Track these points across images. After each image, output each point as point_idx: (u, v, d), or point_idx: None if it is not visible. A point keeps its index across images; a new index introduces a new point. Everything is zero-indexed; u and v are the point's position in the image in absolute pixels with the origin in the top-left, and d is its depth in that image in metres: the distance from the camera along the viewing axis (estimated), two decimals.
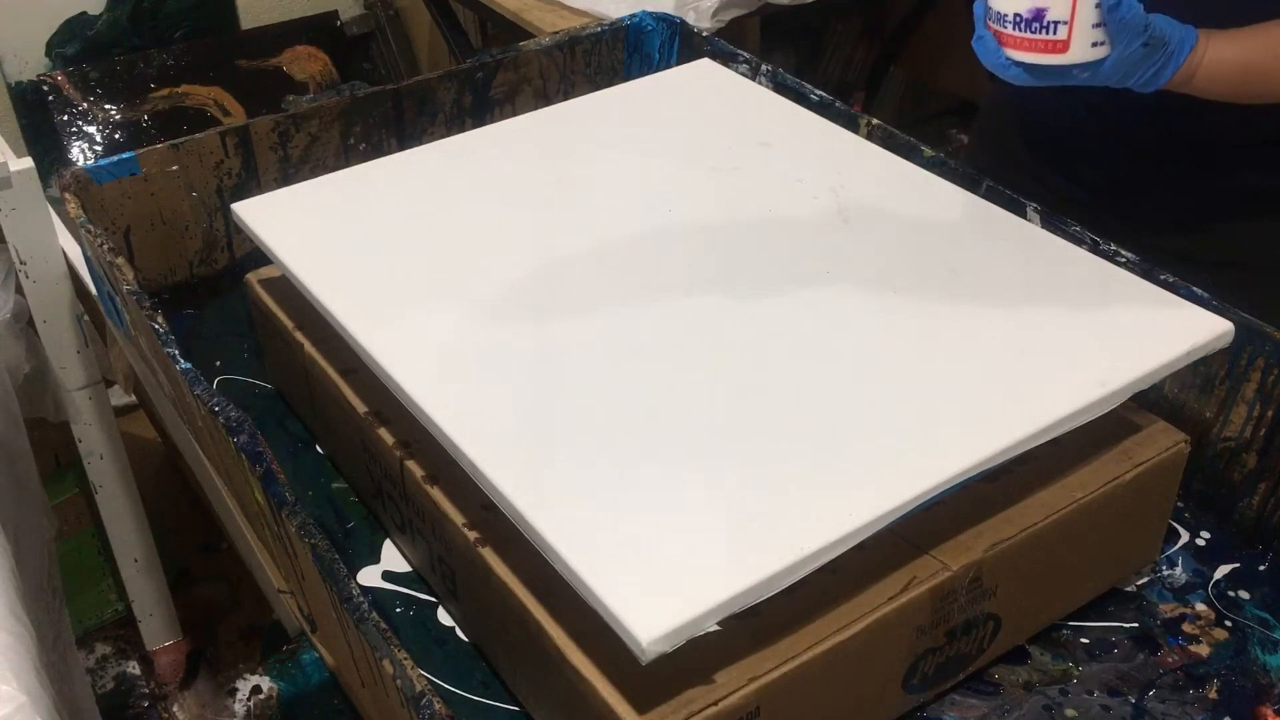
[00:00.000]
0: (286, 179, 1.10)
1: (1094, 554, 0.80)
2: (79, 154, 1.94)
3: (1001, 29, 0.80)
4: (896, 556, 0.71)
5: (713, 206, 0.93)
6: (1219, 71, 0.83)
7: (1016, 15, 0.79)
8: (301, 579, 0.79)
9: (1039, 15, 0.78)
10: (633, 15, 1.28)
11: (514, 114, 1.08)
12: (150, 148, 1.06)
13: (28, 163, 1.13)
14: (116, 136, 1.96)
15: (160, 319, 0.87)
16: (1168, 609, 0.84)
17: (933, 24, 2.34)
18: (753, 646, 0.66)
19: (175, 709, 1.50)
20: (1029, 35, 0.79)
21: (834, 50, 2.40)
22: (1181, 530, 0.89)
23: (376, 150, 1.16)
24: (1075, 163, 1.06)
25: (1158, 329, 0.78)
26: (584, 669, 0.66)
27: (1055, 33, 0.78)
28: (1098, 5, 0.77)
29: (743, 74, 1.14)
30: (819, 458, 0.69)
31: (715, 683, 0.64)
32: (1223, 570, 0.86)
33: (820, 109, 1.07)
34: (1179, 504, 0.90)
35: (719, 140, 1.02)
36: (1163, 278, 0.85)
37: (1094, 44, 0.79)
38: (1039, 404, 0.72)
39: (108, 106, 1.95)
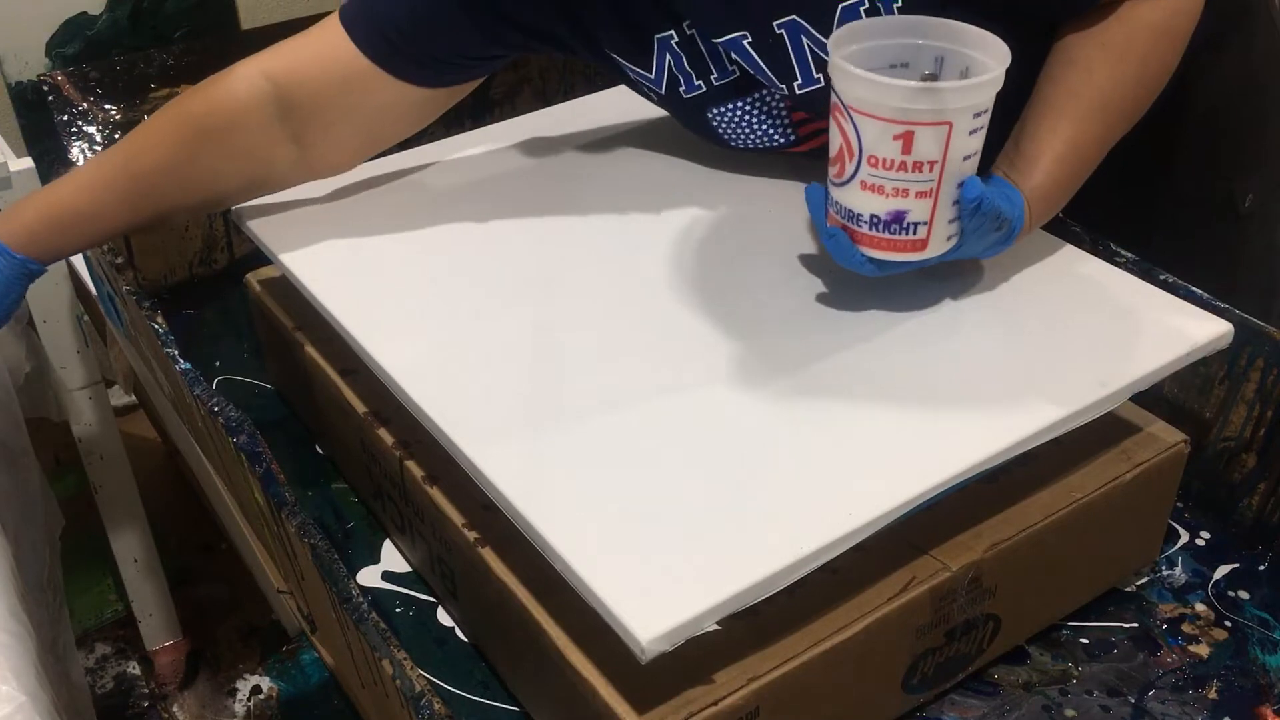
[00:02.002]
0: None
1: (1094, 554, 0.80)
2: (79, 154, 1.93)
3: (855, 228, 0.77)
4: (896, 556, 0.71)
5: (713, 206, 0.93)
6: (1051, 203, 0.82)
7: (874, 216, 0.76)
8: (301, 579, 0.79)
9: (899, 217, 0.75)
10: None
11: (514, 114, 1.08)
12: None
13: (28, 163, 1.13)
14: (116, 136, 1.96)
15: (160, 319, 0.87)
16: (1167, 609, 0.84)
17: None
18: (753, 646, 0.66)
19: (175, 709, 1.50)
20: (887, 235, 0.76)
21: None
22: (1181, 530, 0.89)
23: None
24: None
25: (1157, 329, 0.78)
26: (584, 669, 0.66)
27: (915, 233, 0.76)
28: (955, 203, 0.75)
29: None
30: (819, 458, 0.69)
31: (715, 683, 0.64)
32: (1222, 570, 0.86)
33: None
34: (1179, 504, 0.90)
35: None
36: (1162, 278, 0.85)
37: (948, 237, 0.77)
38: (1039, 404, 0.72)
39: (108, 106, 1.94)
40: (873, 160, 0.74)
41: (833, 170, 0.77)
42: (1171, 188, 0.98)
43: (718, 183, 0.96)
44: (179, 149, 0.85)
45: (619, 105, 1.08)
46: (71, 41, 1.97)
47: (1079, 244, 0.88)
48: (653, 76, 0.90)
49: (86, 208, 0.85)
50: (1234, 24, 0.99)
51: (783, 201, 0.93)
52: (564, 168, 0.98)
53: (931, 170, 0.73)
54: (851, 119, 0.73)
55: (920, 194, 0.74)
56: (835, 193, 0.78)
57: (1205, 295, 0.83)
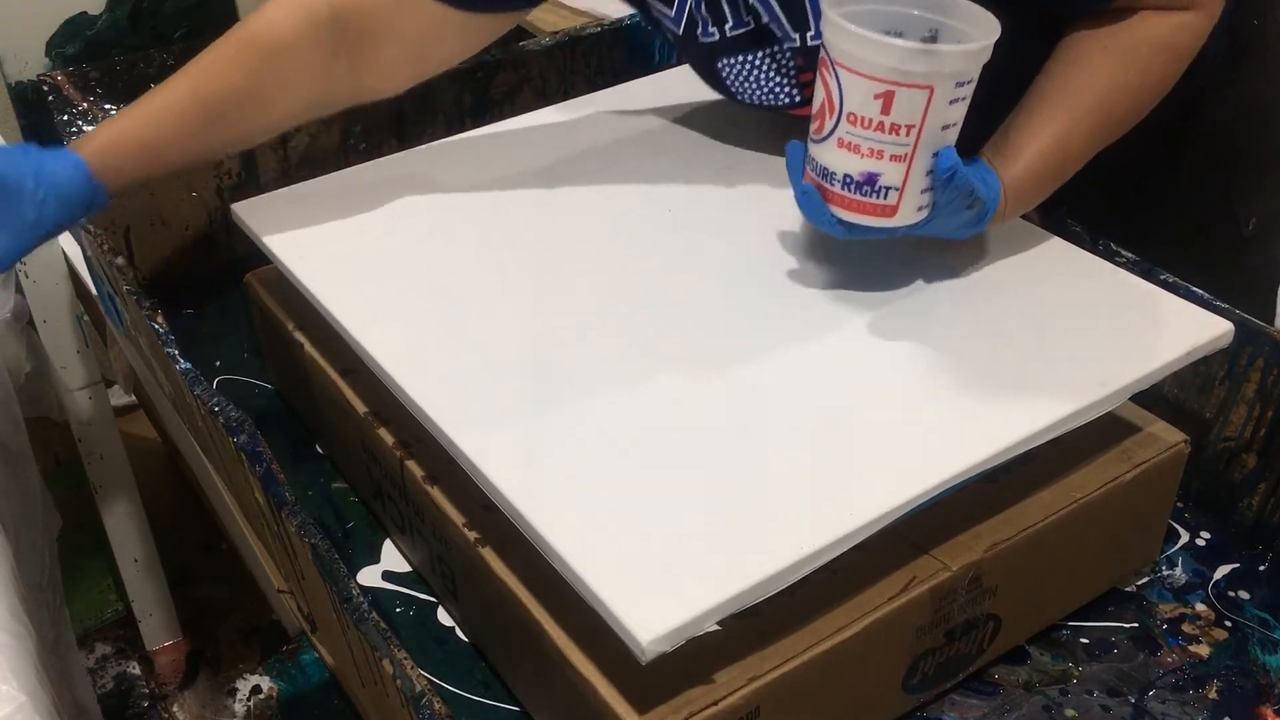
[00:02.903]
0: (286, 179, 1.10)
1: (1094, 554, 0.80)
2: None
3: (829, 186, 0.77)
4: (896, 556, 0.71)
5: (712, 207, 0.93)
6: (1028, 195, 0.82)
7: (847, 176, 0.76)
8: (301, 579, 0.79)
9: (871, 179, 0.75)
10: (633, 15, 1.28)
11: (514, 114, 1.08)
12: None
13: None
14: None
15: (160, 319, 0.87)
16: (1168, 609, 0.84)
17: None
18: (753, 646, 0.66)
19: (175, 709, 1.50)
20: (858, 197, 0.76)
21: None
22: (1181, 530, 0.89)
23: (376, 150, 1.16)
24: None
25: (1158, 329, 0.78)
26: (584, 669, 0.66)
27: (885, 197, 0.76)
28: (929, 173, 0.75)
29: None
30: (819, 458, 0.69)
31: (715, 683, 0.64)
32: (1223, 570, 0.86)
33: None
34: (1179, 504, 0.90)
35: (719, 140, 1.02)
36: (1163, 278, 0.85)
37: (919, 207, 0.77)
38: (1039, 404, 0.72)
39: (108, 106, 1.94)
40: (852, 118, 0.74)
41: (813, 126, 0.78)
42: (1178, 207, 0.98)
43: (719, 183, 0.96)
44: (241, 72, 0.86)
45: (619, 105, 1.08)
46: (71, 41, 1.97)
47: (1079, 244, 0.88)
48: (673, 14, 0.92)
49: (156, 137, 0.85)
50: (1247, 53, 0.99)
51: (784, 204, 0.93)
52: (564, 167, 0.98)
53: (908, 134, 0.73)
54: (836, 74, 0.74)
55: (895, 157, 0.74)
56: (813, 149, 0.78)
57: (1205, 295, 0.83)
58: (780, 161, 0.98)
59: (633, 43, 1.28)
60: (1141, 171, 1.01)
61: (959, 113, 0.75)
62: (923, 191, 0.76)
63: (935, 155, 0.75)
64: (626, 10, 1.32)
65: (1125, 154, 0.87)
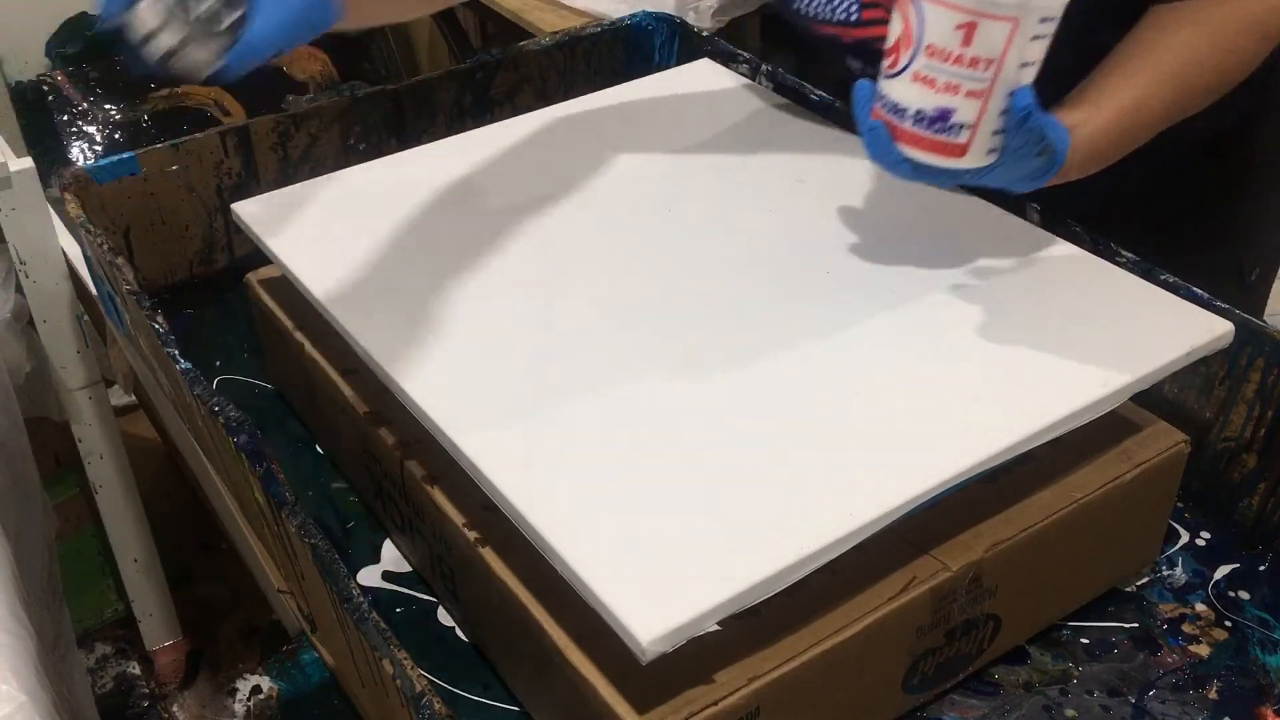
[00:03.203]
0: (286, 179, 1.10)
1: (1094, 554, 0.80)
2: (79, 154, 1.94)
3: (899, 123, 0.75)
4: (896, 556, 0.71)
5: (712, 207, 0.93)
6: (1099, 155, 0.80)
7: (919, 111, 0.74)
8: (301, 579, 0.79)
9: (944, 115, 0.74)
10: (633, 15, 1.28)
11: (514, 114, 1.08)
12: (150, 148, 1.06)
13: (28, 163, 1.13)
14: (116, 136, 1.96)
15: (160, 319, 0.87)
16: (1168, 609, 0.84)
17: None
18: (753, 646, 0.66)
19: (175, 709, 1.50)
20: (929, 134, 0.75)
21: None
22: (1181, 530, 0.89)
23: (376, 150, 1.16)
24: None
25: (1158, 329, 0.78)
26: (584, 669, 0.66)
27: (957, 135, 0.74)
28: (1004, 113, 0.74)
29: (743, 74, 1.14)
30: (819, 458, 0.69)
31: (715, 683, 0.64)
32: (1223, 570, 0.86)
33: (820, 109, 1.07)
34: (1179, 504, 0.90)
35: (719, 140, 1.02)
36: (1163, 278, 0.85)
37: (989, 150, 0.75)
38: (1039, 404, 0.72)
39: (108, 106, 1.94)
40: (930, 50, 0.73)
41: (887, 62, 0.76)
42: (1182, 251, 0.97)
43: (719, 182, 0.96)
44: None
45: (619, 105, 1.08)
46: (71, 41, 1.97)
47: (1079, 244, 0.88)
48: None
49: None
50: (1266, 101, 0.98)
51: (785, 203, 0.93)
52: (564, 167, 0.98)
53: (987, 69, 0.72)
54: (918, 4, 0.72)
55: (971, 93, 0.73)
56: (885, 85, 0.76)
57: (1205, 295, 0.83)
58: (780, 161, 0.98)
59: (633, 43, 1.28)
60: (1157, 208, 1.00)
61: (1039, 51, 0.73)
62: (994, 133, 0.75)
63: (1011, 94, 0.73)
64: (627, 10, 1.32)
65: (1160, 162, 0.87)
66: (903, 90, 0.75)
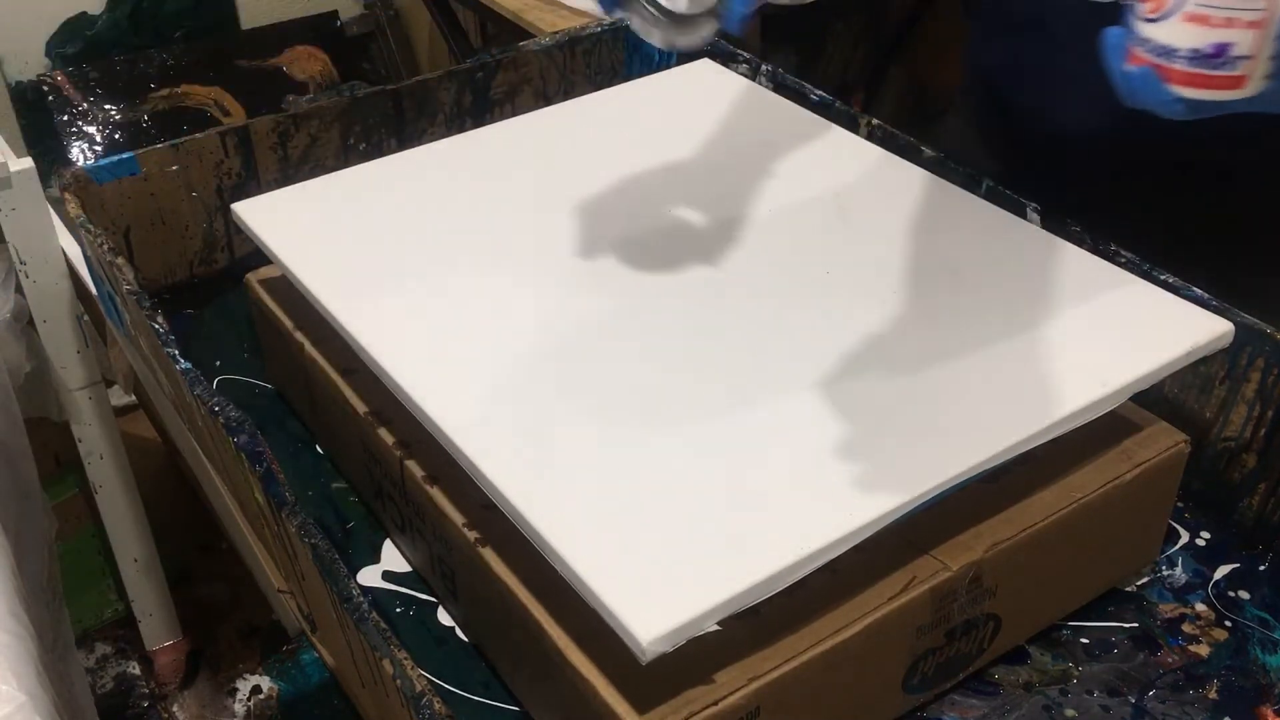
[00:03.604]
0: (286, 179, 1.10)
1: (1094, 554, 0.80)
2: (79, 154, 1.94)
3: (1169, 64, 0.73)
4: (896, 556, 0.71)
5: (712, 206, 0.93)
6: None
7: (1194, 50, 0.72)
8: (301, 579, 0.79)
9: (1222, 50, 0.71)
10: None
11: (514, 114, 1.08)
12: (150, 148, 1.06)
13: (28, 163, 1.13)
14: (116, 136, 1.96)
15: (160, 319, 0.87)
16: (1168, 609, 0.84)
17: (932, 24, 2.35)
18: (753, 646, 0.66)
19: (175, 709, 1.50)
20: (1206, 71, 0.72)
21: (834, 50, 2.40)
22: (1181, 530, 0.89)
23: (376, 150, 1.16)
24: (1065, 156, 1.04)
25: (1158, 329, 0.78)
26: (584, 669, 0.66)
27: (1236, 68, 0.72)
28: (1278, 36, 0.71)
29: (743, 74, 1.14)
30: (819, 458, 0.69)
31: (715, 683, 0.64)
32: (1223, 570, 0.86)
33: (820, 109, 1.07)
34: (1179, 504, 0.90)
35: (719, 140, 1.02)
36: (1163, 278, 0.85)
37: (1267, 75, 0.73)
38: (1039, 404, 0.72)
39: (108, 106, 1.95)
40: None
41: (1148, 7, 0.74)
42: (1194, 274, 0.96)
43: (719, 182, 0.96)
44: None
45: (619, 105, 1.08)
46: (71, 41, 1.97)
47: (1079, 244, 0.88)
48: None
49: None
50: None
51: (784, 203, 0.93)
52: (564, 167, 0.98)
53: None
54: None
55: (1250, 23, 0.71)
56: (1147, 29, 0.74)
57: (1205, 295, 0.83)
58: (780, 162, 0.98)
59: (633, 43, 1.28)
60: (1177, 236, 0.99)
61: None
62: (1271, 58, 0.72)
63: None
64: None
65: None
66: (1173, 32, 0.73)
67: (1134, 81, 0.75)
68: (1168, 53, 0.73)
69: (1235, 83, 0.73)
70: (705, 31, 0.78)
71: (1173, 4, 0.73)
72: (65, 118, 1.93)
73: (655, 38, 0.78)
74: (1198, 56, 0.73)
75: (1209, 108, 0.75)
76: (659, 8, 0.77)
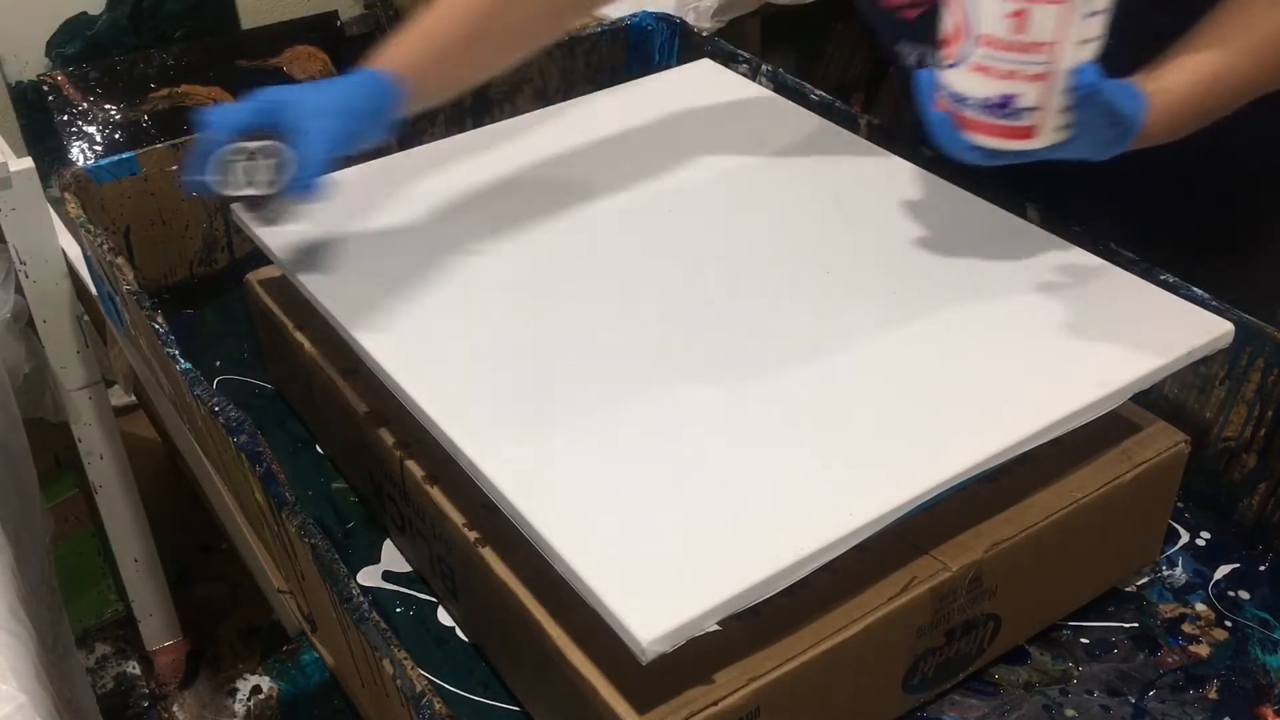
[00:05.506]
0: None
1: (1094, 554, 0.80)
2: (79, 154, 1.94)
3: (962, 111, 0.75)
4: (896, 556, 0.71)
5: (712, 207, 0.93)
6: (1176, 119, 0.79)
7: (984, 99, 0.74)
8: (301, 579, 0.79)
9: (1008, 101, 0.73)
10: (633, 15, 1.28)
11: (514, 114, 1.08)
12: (150, 148, 1.06)
13: (28, 163, 1.12)
14: (116, 136, 1.96)
15: (160, 319, 0.87)
16: (1168, 609, 0.84)
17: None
18: (753, 646, 0.66)
19: (175, 709, 1.50)
20: (994, 120, 0.74)
21: (834, 50, 2.40)
22: (1181, 530, 0.89)
23: (376, 150, 1.15)
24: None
25: (1158, 329, 0.78)
26: (584, 669, 0.66)
27: (1024, 119, 0.74)
28: (1067, 90, 0.73)
29: (743, 74, 1.14)
30: (819, 458, 0.69)
31: (715, 683, 0.64)
32: (1223, 570, 0.86)
33: (820, 109, 1.07)
34: (1179, 504, 0.90)
35: (719, 140, 1.02)
36: (1163, 278, 0.85)
37: (1060, 127, 0.75)
38: (1039, 404, 0.72)
39: (108, 106, 1.94)
40: (985, 39, 0.73)
41: (944, 53, 0.76)
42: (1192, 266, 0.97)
43: (719, 183, 0.96)
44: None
45: (619, 105, 1.08)
46: (71, 41, 1.97)
47: (1079, 244, 0.88)
48: None
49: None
50: None
51: (784, 203, 0.93)
52: (564, 167, 0.98)
53: (1045, 52, 0.72)
54: None
55: (1032, 77, 0.73)
56: (946, 77, 0.76)
57: (1205, 295, 0.83)
58: (780, 161, 0.98)
59: (633, 43, 1.28)
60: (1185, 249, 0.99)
61: (1096, 27, 0.73)
62: (1062, 111, 0.74)
63: (1074, 72, 0.73)
64: (627, 10, 1.32)
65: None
66: (963, 80, 0.75)
67: (935, 125, 0.77)
68: (960, 100, 0.75)
69: (1024, 133, 0.75)
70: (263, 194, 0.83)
71: (960, 54, 0.74)
72: (65, 118, 1.93)
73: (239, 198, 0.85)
74: (988, 105, 0.74)
75: (1005, 156, 0.76)
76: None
